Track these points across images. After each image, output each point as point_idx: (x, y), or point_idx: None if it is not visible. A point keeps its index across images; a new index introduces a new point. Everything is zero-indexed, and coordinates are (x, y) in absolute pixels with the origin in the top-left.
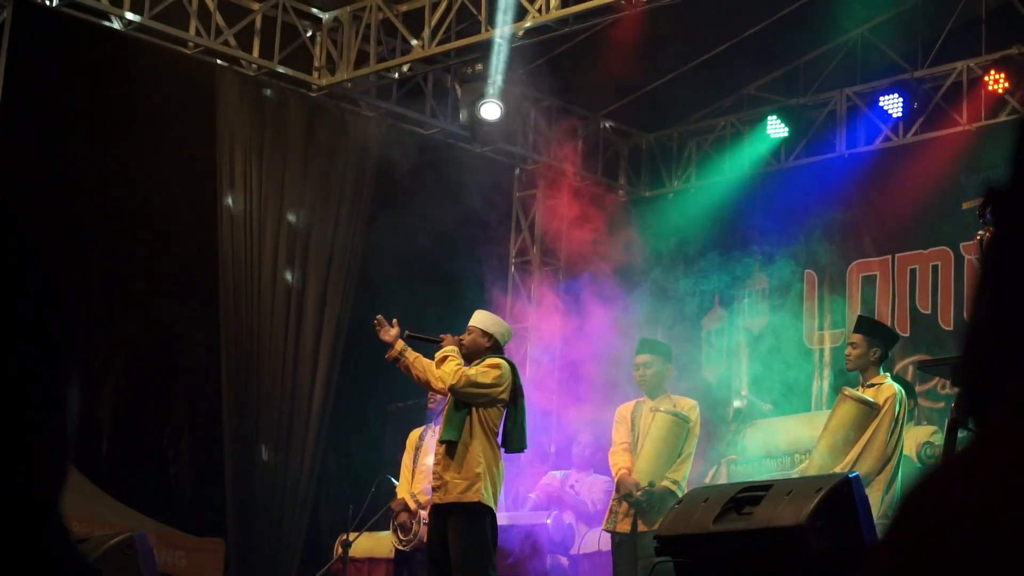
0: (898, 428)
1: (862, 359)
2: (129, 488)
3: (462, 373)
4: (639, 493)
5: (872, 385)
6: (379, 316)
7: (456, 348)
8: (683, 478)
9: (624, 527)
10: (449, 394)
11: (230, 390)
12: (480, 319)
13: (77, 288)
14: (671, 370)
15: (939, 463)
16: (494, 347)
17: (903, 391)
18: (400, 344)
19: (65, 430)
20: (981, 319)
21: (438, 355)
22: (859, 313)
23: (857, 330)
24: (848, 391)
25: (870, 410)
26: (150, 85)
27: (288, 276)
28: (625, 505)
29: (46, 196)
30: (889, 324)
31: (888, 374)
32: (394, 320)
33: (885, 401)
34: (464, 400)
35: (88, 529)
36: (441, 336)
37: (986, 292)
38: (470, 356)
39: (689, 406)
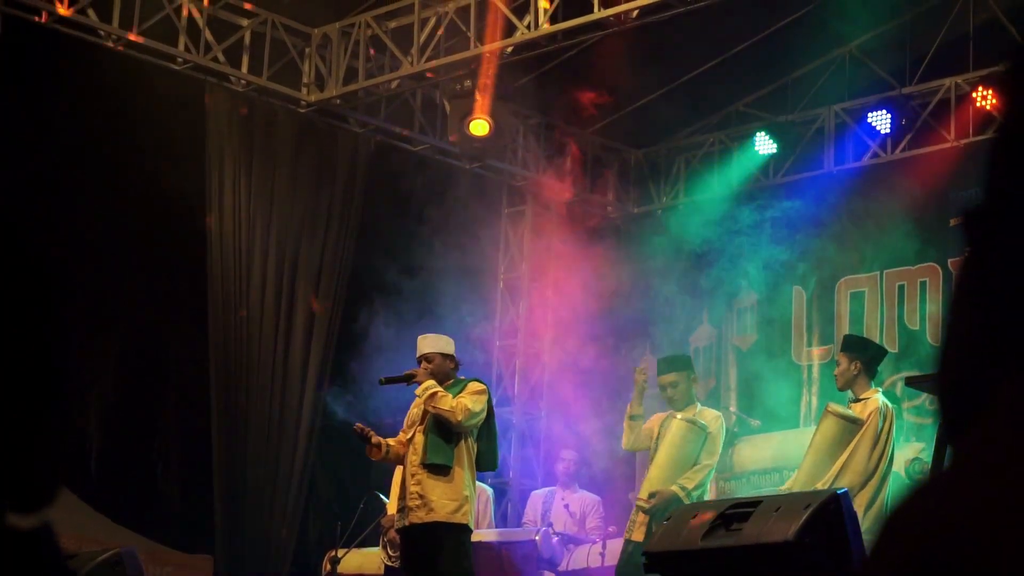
0: (881, 442)
1: (845, 375)
2: (117, 504)
3: (464, 407)
4: (647, 504)
5: (861, 400)
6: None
7: (433, 380)
8: (696, 486)
9: (638, 536)
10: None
11: (219, 406)
12: (432, 344)
13: (67, 301)
14: (697, 379)
15: (923, 480)
16: (456, 365)
17: (888, 404)
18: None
19: (61, 442)
20: (957, 338)
21: (423, 392)
22: (848, 330)
23: (841, 349)
24: (832, 407)
25: (853, 425)
26: (139, 101)
27: (276, 290)
28: (642, 515)
29: (34, 210)
30: (878, 340)
31: (879, 388)
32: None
33: (868, 416)
34: (463, 431)
35: (76, 545)
36: (410, 372)
37: (962, 311)
38: (440, 380)
39: (711, 416)
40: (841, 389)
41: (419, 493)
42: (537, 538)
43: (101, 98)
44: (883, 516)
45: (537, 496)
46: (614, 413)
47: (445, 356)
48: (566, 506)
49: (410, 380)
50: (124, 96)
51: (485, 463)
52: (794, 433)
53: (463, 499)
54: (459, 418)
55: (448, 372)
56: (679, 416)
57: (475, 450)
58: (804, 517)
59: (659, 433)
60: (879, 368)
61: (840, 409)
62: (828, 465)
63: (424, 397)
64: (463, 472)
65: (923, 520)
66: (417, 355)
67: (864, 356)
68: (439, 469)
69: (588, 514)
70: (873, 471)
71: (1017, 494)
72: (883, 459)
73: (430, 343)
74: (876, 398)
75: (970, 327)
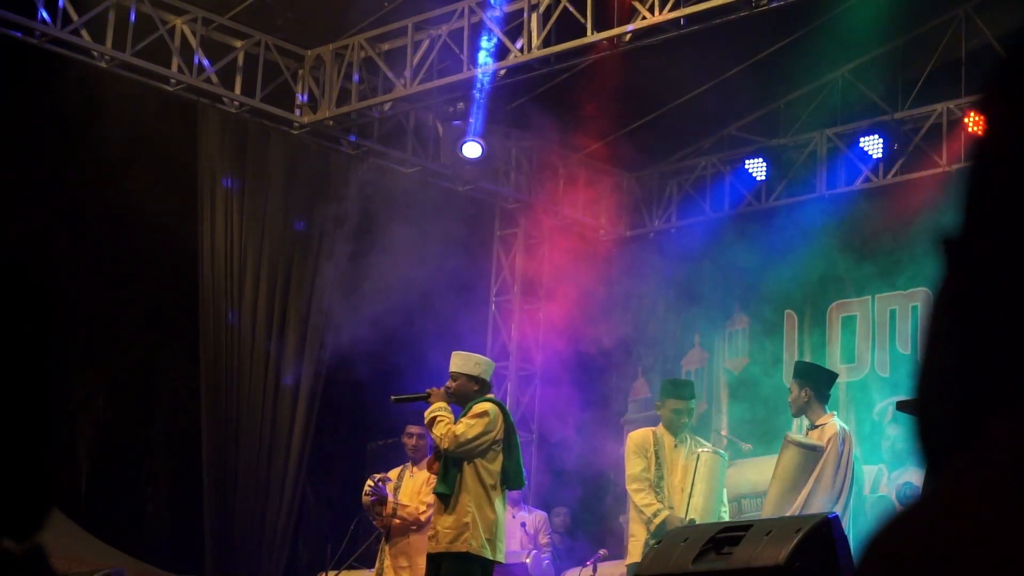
0: (843, 466)
1: (797, 402)
2: (107, 525)
3: (452, 435)
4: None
5: (818, 427)
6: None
7: (445, 404)
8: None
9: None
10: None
11: (209, 428)
12: (462, 363)
13: (63, 330)
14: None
15: (907, 506)
16: (482, 388)
17: (845, 428)
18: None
19: (52, 466)
20: (935, 369)
21: (427, 415)
22: (839, 354)
23: (792, 376)
24: (791, 436)
25: (814, 453)
26: (132, 122)
27: (268, 313)
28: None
29: (24, 233)
30: (869, 365)
31: (833, 412)
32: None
33: (828, 441)
34: (461, 457)
35: (67, 566)
36: (427, 391)
37: (939, 342)
38: (460, 401)
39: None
40: (795, 416)
41: (432, 523)
42: (528, 560)
43: (94, 119)
44: (854, 538)
45: None
46: (603, 434)
47: (470, 378)
48: (522, 524)
49: (422, 399)
50: (117, 117)
51: (510, 482)
52: None
53: (462, 526)
54: (445, 446)
55: (470, 394)
56: (707, 449)
57: (492, 473)
58: (795, 541)
59: (657, 456)
60: (830, 392)
61: (799, 438)
62: (793, 494)
63: (427, 422)
64: (466, 499)
65: (904, 546)
66: (450, 370)
67: (813, 382)
68: (442, 498)
69: (539, 530)
70: (839, 495)
71: (995, 528)
72: (846, 482)
73: (460, 362)
74: (833, 423)
75: (947, 357)
